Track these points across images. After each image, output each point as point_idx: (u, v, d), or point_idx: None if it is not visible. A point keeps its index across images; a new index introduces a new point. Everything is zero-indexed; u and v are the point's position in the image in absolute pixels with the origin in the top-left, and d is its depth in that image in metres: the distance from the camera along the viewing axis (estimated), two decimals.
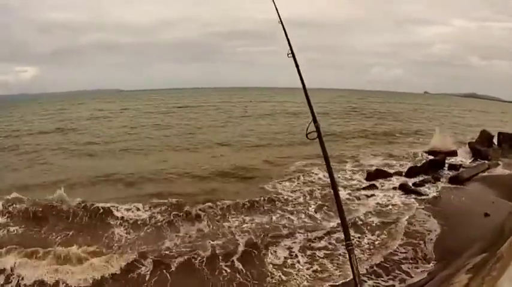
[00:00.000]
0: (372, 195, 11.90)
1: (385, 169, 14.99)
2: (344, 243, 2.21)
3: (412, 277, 7.23)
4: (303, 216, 10.21)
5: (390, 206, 10.97)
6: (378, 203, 11.16)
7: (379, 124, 31.19)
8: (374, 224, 9.66)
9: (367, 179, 13.65)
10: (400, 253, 8.12)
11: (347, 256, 2.17)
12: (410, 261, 7.81)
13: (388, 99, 74.28)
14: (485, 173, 14.30)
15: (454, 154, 18.75)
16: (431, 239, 8.68)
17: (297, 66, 3.44)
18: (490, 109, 60.85)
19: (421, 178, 13.69)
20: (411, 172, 14.41)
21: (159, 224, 9.45)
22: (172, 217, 9.66)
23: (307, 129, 2.76)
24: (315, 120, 2.80)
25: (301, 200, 11.37)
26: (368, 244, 8.60)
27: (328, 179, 2.61)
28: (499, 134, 20.39)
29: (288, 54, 3.51)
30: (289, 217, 10.12)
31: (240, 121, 32.29)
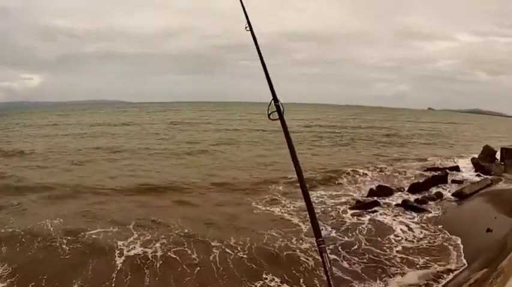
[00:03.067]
0: (373, 212, 11.90)
1: (387, 185, 15.05)
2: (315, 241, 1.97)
3: None
4: None
5: (391, 223, 10.96)
6: (378, 220, 11.16)
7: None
8: (374, 242, 9.60)
9: (369, 195, 13.69)
10: (402, 269, 8.11)
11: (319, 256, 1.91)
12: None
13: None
14: (488, 189, 14.30)
15: (456, 169, 18.85)
16: (434, 256, 8.71)
17: (255, 39, 3.35)
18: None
19: (423, 194, 13.74)
20: (413, 188, 14.48)
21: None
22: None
23: (268, 110, 2.74)
24: (275, 100, 2.78)
25: None
26: (367, 261, 8.51)
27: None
28: (502, 149, 20.43)
29: (245, 28, 3.43)
30: None
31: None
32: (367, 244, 9.38)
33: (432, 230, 10.30)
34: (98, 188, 14.43)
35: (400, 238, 9.80)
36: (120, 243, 9.16)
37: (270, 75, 3.28)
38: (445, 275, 7.64)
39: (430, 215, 11.62)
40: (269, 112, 2.76)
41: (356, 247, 9.22)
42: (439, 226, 10.53)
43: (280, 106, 2.76)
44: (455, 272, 7.70)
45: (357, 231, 10.25)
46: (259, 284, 7.50)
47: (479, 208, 12.35)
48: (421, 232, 10.15)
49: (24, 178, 16.25)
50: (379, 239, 9.71)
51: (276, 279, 7.65)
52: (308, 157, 21.04)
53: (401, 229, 10.42)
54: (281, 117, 2.70)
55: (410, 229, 10.42)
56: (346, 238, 9.77)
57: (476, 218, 11.13)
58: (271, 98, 2.82)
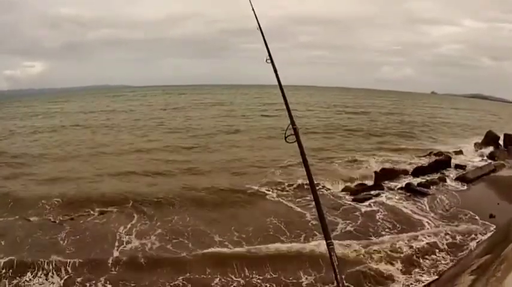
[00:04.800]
0: (378, 195, 11.95)
1: (392, 168, 15.05)
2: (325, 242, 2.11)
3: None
4: None
5: (395, 207, 11.02)
6: (383, 204, 11.22)
7: None
8: (380, 226, 9.70)
9: (374, 178, 13.66)
10: (408, 255, 8.11)
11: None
12: (418, 263, 7.86)
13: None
14: (491, 174, 14.31)
15: (460, 154, 18.79)
16: (437, 241, 8.77)
17: (275, 71, 3.53)
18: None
19: (427, 178, 13.74)
20: (417, 172, 14.49)
21: None
22: None
23: (285, 133, 2.79)
24: (292, 123, 2.85)
25: None
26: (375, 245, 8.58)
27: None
28: (506, 135, 20.34)
29: (266, 60, 3.61)
30: None
31: None
32: (392, 238, 8.89)
33: (447, 214, 10.38)
34: (96, 178, 13.91)
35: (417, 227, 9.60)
36: (118, 231, 9.17)
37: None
38: None
39: (432, 199, 11.65)
40: (286, 135, 2.79)
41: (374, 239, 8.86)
42: (441, 210, 10.61)
43: (297, 129, 2.80)
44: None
45: (374, 221, 9.98)
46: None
47: (482, 193, 12.41)
48: (441, 217, 10.04)
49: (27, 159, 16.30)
50: (398, 233, 9.30)
51: (274, 277, 7.30)
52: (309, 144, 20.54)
53: (410, 212, 10.48)
54: (298, 141, 2.74)
55: (424, 214, 10.35)
56: (369, 231, 9.38)
57: (479, 203, 11.18)
58: (289, 122, 2.86)
